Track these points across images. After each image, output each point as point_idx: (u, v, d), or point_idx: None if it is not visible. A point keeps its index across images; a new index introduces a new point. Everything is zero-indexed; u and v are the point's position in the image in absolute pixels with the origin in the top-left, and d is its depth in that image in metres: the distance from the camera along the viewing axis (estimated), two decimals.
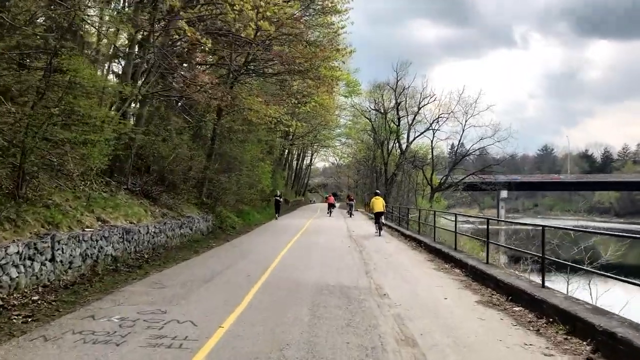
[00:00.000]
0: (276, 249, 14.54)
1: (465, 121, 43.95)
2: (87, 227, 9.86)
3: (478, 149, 44.81)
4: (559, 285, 12.91)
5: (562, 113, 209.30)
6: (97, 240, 9.61)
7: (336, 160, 79.06)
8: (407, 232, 20.50)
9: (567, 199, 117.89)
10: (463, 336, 6.10)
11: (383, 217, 21.34)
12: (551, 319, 6.52)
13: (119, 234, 10.58)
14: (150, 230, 12.23)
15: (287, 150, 52.49)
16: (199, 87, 12.51)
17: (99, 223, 10.54)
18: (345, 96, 47.69)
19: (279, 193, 31.96)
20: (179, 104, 22.70)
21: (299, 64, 17.29)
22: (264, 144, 32.17)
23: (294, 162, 71.43)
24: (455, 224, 13.68)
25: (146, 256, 11.53)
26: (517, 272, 10.24)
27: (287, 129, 21.28)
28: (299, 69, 18.34)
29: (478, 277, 10.00)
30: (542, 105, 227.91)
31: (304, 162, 79.01)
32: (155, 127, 15.57)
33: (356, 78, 47.14)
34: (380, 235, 20.40)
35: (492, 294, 8.71)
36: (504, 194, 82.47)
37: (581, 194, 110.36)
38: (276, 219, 29.83)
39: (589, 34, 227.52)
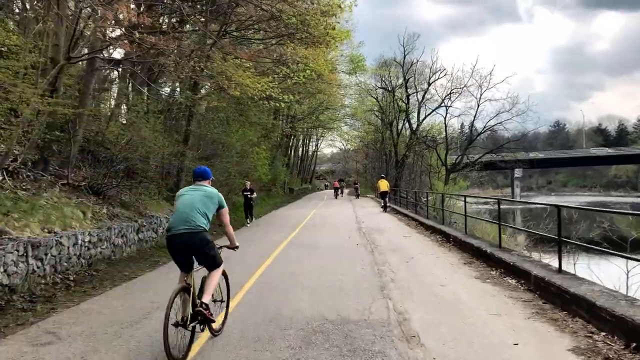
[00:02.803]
0: (261, 257, 11.11)
1: (480, 95, 40.22)
2: None
3: (495, 125, 40.96)
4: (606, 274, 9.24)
5: (571, 88, 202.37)
6: None
7: (343, 145, 75.30)
8: (428, 222, 17.06)
9: (581, 175, 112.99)
10: None
11: (387, 196, 26.10)
12: None
13: (20, 250, 7.25)
14: (80, 240, 8.86)
15: (292, 136, 48.87)
16: (129, 33, 9.07)
17: None
18: (350, 73, 43.91)
19: (248, 186, 19.83)
20: (154, 79, 19.32)
21: (287, 19, 13.76)
22: (260, 128, 28.71)
23: (300, 149, 67.88)
24: (499, 213, 10.20)
25: (72, 277, 8.21)
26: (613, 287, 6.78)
27: (277, 104, 17.77)
28: (287, 28, 14.79)
29: (552, 296, 6.58)
30: (550, 81, 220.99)
31: (310, 148, 75.45)
32: (102, 103, 12.18)
33: (360, 53, 43.28)
34: (385, 211, 24.93)
35: (592, 333, 5.29)
36: (518, 172, 77.88)
37: (595, 169, 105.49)
38: (247, 225, 19.14)
39: (597, 6, 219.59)
